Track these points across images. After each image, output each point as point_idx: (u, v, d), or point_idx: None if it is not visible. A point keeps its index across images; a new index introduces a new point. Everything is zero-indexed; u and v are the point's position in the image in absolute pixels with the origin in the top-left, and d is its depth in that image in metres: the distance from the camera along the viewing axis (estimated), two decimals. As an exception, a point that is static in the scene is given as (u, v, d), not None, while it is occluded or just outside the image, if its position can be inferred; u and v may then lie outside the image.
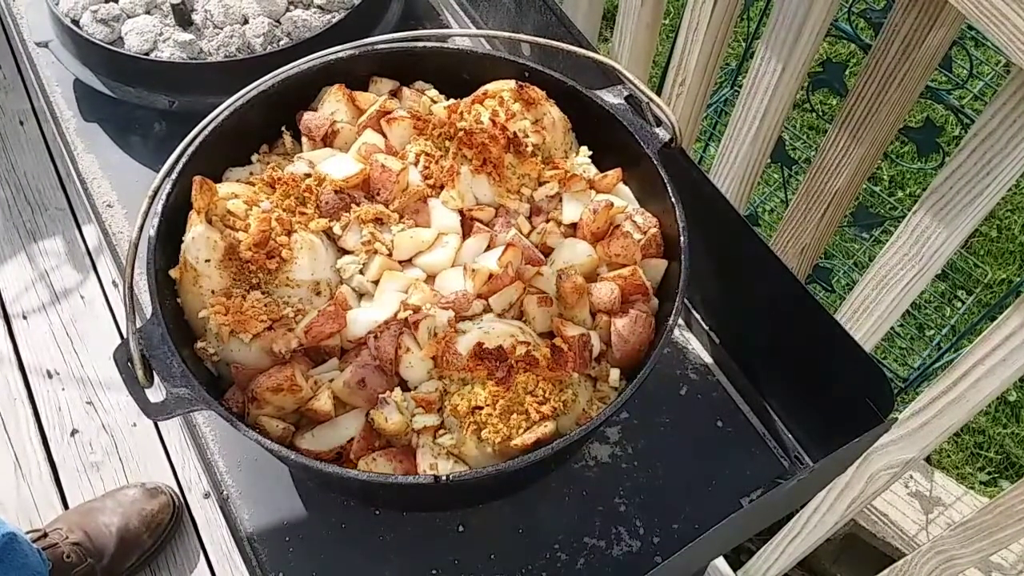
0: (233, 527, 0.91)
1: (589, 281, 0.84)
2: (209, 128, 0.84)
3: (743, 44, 2.10)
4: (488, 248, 0.86)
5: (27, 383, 2.08)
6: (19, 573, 1.36)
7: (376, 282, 0.84)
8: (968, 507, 1.66)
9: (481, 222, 0.87)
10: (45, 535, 1.66)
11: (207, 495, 1.93)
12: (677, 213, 0.83)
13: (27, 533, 1.68)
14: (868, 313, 1.16)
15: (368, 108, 0.93)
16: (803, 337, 0.92)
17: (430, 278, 0.85)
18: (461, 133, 0.87)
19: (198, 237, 0.79)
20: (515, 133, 0.87)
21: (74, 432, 2.01)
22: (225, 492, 0.93)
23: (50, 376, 2.09)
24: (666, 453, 0.98)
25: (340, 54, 0.92)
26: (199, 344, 0.78)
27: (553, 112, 0.92)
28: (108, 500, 1.74)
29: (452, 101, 0.93)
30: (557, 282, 0.82)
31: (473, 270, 0.82)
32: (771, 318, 0.97)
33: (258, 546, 0.90)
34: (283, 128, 0.94)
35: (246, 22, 1.19)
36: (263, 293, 0.80)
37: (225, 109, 0.85)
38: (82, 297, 2.23)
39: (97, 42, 1.13)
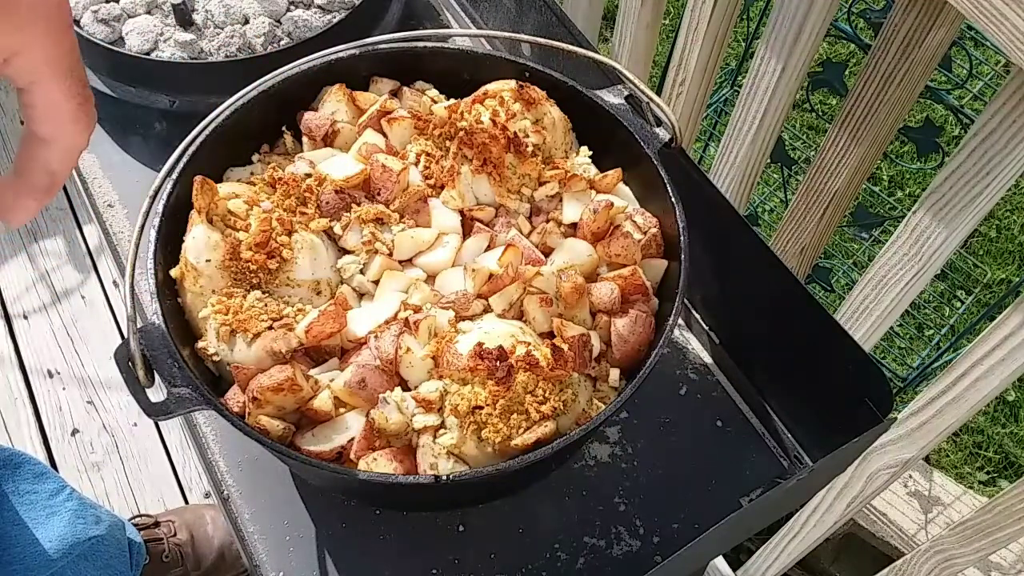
0: (234, 527, 0.92)
1: (589, 281, 0.84)
2: (210, 128, 0.84)
3: (743, 44, 2.10)
4: (488, 248, 0.86)
5: (28, 383, 2.08)
6: (101, 573, 1.35)
7: (376, 282, 0.84)
8: (967, 507, 1.66)
9: (481, 222, 0.88)
10: (156, 524, 1.65)
11: (207, 495, 1.93)
12: (677, 213, 0.83)
13: (139, 517, 1.67)
14: (867, 313, 1.16)
15: (369, 108, 0.93)
16: (803, 337, 0.92)
17: (430, 278, 0.86)
18: (461, 133, 0.87)
19: (199, 237, 0.79)
20: (515, 133, 0.87)
21: (75, 432, 2.02)
22: (226, 492, 0.93)
23: (51, 376, 2.09)
24: (666, 453, 0.98)
25: (340, 54, 0.92)
26: (200, 344, 0.78)
27: (553, 112, 0.92)
28: (220, 515, 1.71)
29: (452, 101, 0.93)
30: (557, 282, 0.82)
31: (473, 270, 0.82)
32: (771, 318, 0.98)
33: (259, 545, 0.90)
34: (284, 128, 0.94)
35: (247, 22, 1.19)
36: (264, 293, 0.80)
37: (226, 109, 0.85)
38: (83, 297, 2.23)
39: (97, 42, 1.13)
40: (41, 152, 0.58)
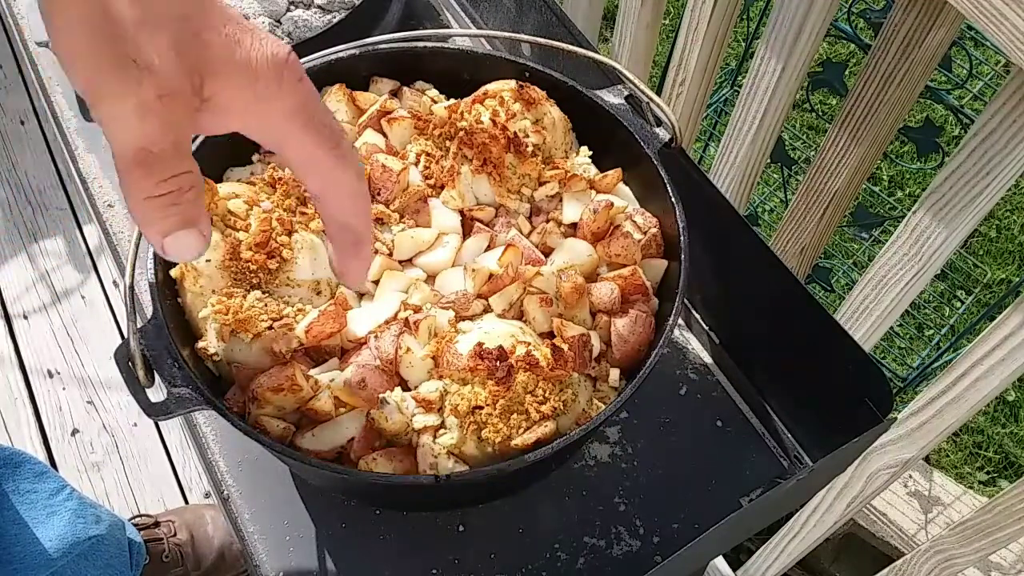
0: (234, 527, 0.92)
1: (589, 281, 0.84)
2: (210, 128, 0.84)
3: (743, 44, 2.10)
4: (488, 248, 0.86)
5: (28, 383, 2.09)
6: (101, 573, 1.36)
7: (376, 282, 0.84)
8: (967, 506, 1.66)
9: (481, 222, 0.88)
10: (156, 524, 1.65)
11: (207, 495, 1.94)
12: (677, 213, 0.83)
13: (139, 517, 1.67)
14: (867, 313, 1.17)
15: (368, 108, 0.93)
16: (803, 337, 0.92)
17: (430, 278, 0.86)
18: (461, 133, 0.87)
19: (199, 237, 0.79)
20: (515, 133, 0.87)
21: (75, 432, 2.02)
22: (226, 492, 0.93)
23: (51, 376, 2.10)
24: (666, 453, 0.98)
25: (340, 54, 0.92)
26: (200, 344, 0.78)
27: (553, 112, 0.92)
28: (220, 515, 1.71)
29: (452, 101, 0.93)
30: (557, 282, 0.82)
31: (473, 270, 0.82)
32: (771, 318, 0.98)
33: (259, 545, 0.90)
34: (283, 128, 0.94)
35: (246, 22, 1.19)
36: (264, 293, 0.80)
37: (226, 109, 0.85)
38: (83, 297, 2.23)
39: (98, 42, 1.13)
40: (325, 210, 0.57)
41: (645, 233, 0.86)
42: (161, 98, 0.45)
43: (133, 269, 0.73)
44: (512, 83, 0.91)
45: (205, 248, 0.50)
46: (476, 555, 0.90)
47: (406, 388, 0.78)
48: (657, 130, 0.89)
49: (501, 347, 0.74)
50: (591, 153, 0.95)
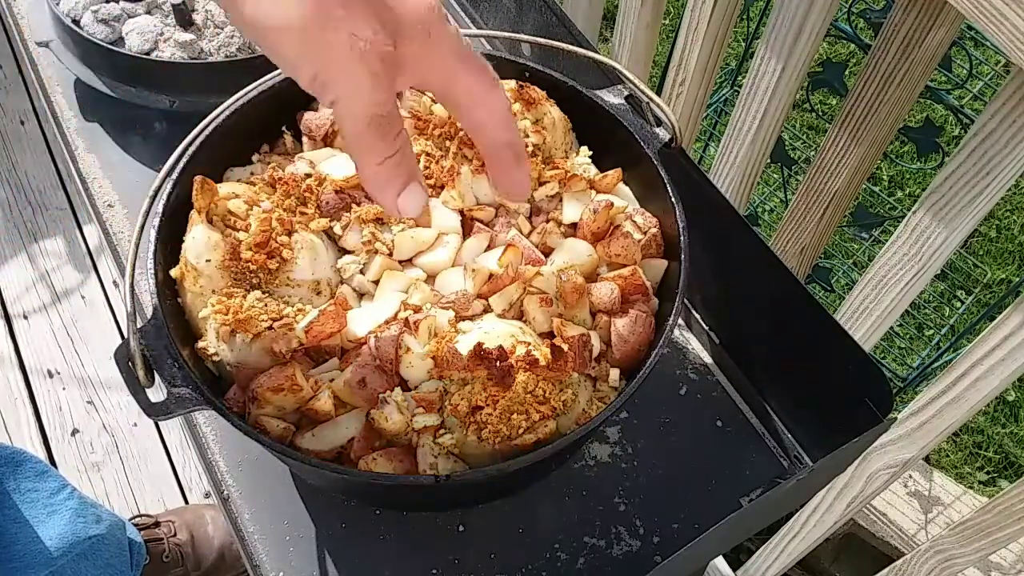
0: (234, 527, 0.92)
1: (589, 281, 0.84)
2: (210, 128, 0.84)
3: (743, 44, 2.10)
4: (488, 248, 0.86)
5: (28, 383, 2.09)
6: (101, 572, 1.36)
7: (376, 282, 0.84)
8: (967, 507, 1.67)
9: (481, 222, 0.88)
10: (157, 524, 1.65)
11: (207, 495, 1.94)
12: (677, 213, 0.83)
13: (139, 517, 1.67)
14: (867, 313, 1.17)
15: (368, 108, 0.93)
16: (803, 337, 0.92)
17: (430, 278, 0.86)
18: (461, 133, 0.87)
19: (199, 237, 0.79)
20: (515, 133, 0.87)
21: (75, 432, 2.02)
22: (226, 492, 0.93)
23: (51, 376, 2.10)
24: (666, 453, 0.98)
25: (340, 54, 0.92)
26: (200, 344, 0.78)
27: (553, 112, 0.92)
28: (220, 515, 1.72)
29: (452, 101, 0.93)
30: (557, 282, 0.82)
31: (473, 270, 0.82)
32: (771, 318, 0.98)
33: (259, 545, 0.90)
34: (284, 128, 0.94)
35: (246, 22, 1.19)
36: (264, 293, 0.80)
37: (226, 109, 0.85)
38: (83, 297, 2.23)
39: (98, 42, 1.13)
40: (488, 135, 0.60)
41: (645, 233, 0.86)
42: (383, 63, 0.50)
43: (133, 269, 0.73)
44: (512, 83, 0.91)
45: (426, 201, 0.55)
46: (476, 555, 0.90)
47: (406, 388, 0.78)
48: (657, 130, 0.89)
49: (501, 347, 0.74)
50: (591, 153, 0.95)
